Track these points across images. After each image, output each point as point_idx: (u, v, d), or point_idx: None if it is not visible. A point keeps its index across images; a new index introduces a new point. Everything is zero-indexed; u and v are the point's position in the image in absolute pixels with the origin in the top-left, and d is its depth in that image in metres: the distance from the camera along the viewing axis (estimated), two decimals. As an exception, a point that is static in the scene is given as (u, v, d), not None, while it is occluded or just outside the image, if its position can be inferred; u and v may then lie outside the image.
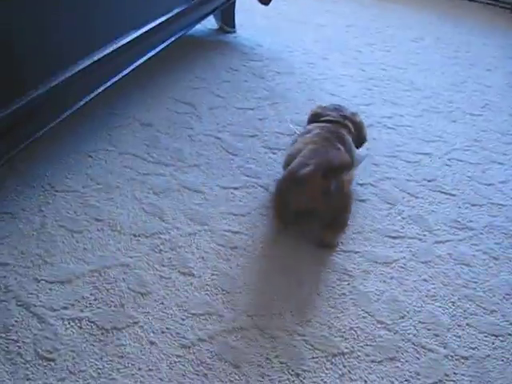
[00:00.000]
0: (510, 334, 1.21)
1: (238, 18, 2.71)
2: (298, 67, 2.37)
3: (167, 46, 1.84)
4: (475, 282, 1.33)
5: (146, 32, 1.68)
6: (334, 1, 3.45)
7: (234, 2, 2.57)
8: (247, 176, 1.60)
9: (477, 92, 2.42)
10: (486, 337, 1.19)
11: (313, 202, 1.30)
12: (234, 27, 2.67)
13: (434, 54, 2.81)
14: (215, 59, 2.33)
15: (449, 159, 1.83)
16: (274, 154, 1.71)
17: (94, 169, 1.53)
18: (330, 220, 1.35)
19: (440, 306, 1.25)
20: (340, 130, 1.51)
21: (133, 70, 1.64)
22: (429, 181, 1.69)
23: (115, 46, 1.51)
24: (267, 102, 2.02)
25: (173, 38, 1.89)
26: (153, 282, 1.20)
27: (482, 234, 1.50)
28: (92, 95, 1.47)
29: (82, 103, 1.42)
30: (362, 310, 1.20)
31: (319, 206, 1.30)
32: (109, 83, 1.55)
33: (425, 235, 1.46)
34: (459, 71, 2.62)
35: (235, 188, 1.54)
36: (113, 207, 1.40)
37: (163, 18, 1.78)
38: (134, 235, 1.32)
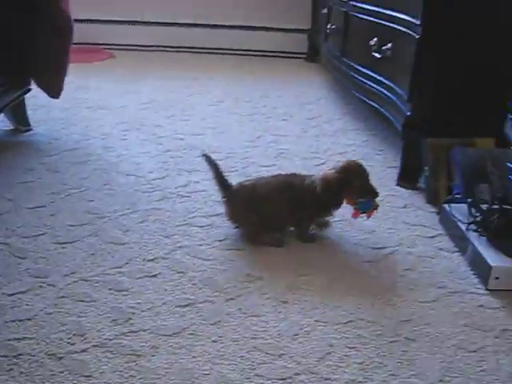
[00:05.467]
0: (297, 374, 1.25)
1: (35, 115, 2.71)
2: (96, 154, 2.39)
3: None
4: (264, 331, 1.38)
5: None
6: (134, 81, 3.55)
7: (22, 101, 2.56)
8: (35, 277, 1.56)
9: (272, 143, 2.56)
10: (273, 382, 1.23)
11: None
12: (29, 125, 2.66)
13: (232, 114, 2.95)
14: (10, 161, 2.30)
15: (241, 215, 1.90)
16: (63, 248, 1.70)
17: None
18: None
19: (229, 364, 1.27)
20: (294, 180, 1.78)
21: None
22: (220, 241, 1.75)
23: None
24: (61, 195, 2.01)
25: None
26: None
27: (271, 281, 1.57)
28: None
29: None
30: (151, 389, 1.20)
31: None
32: None
33: (215, 296, 1.50)
34: (256, 126, 2.77)
35: (22, 292, 1.50)
36: None
37: None
38: None
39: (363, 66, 2.68)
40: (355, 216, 1.77)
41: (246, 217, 1.74)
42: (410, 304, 1.50)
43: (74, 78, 3.44)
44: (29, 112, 2.70)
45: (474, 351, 1.34)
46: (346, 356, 1.30)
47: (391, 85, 2.34)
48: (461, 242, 1.77)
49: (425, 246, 1.78)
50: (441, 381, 1.24)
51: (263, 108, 3.07)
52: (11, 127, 2.66)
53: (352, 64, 2.83)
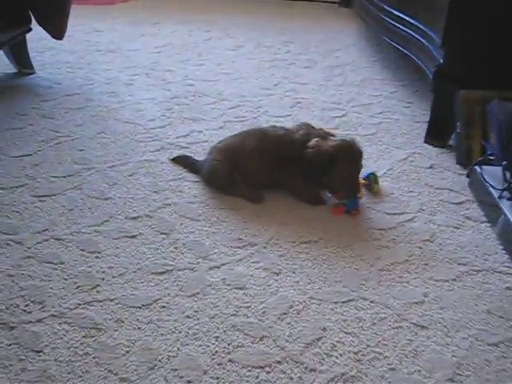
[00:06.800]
0: (278, 362, 1.06)
1: (41, 58, 2.55)
2: (96, 99, 2.21)
3: None
4: (247, 307, 1.19)
5: None
6: (153, 23, 3.33)
7: (24, 42, 2.38)
8: (3, 233, 1.40)
9: (290, 92, 2.33)
10: (249, 371, 1.04)
11: None
12: (32, 68, 2.48)
13: (250, 60, 2.72)
14: (4, 106, 2.13)
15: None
16: (41, 202, 1.53)
17: None
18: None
19: (201, 345, 1.09)
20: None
21: None
22: (214, 198, 1.56)
23: None
24: (49, 144, 1.84)
25: None
26: None
27: (265, 247, 1.37)
28: None
29: None
30: (105, 369, 1.03)
31: None
32: None
33: (198, 263, 1.31)
34: (275, 73, 2.54)
35: (-14, 251, 1.34)
36: None
37: None
38: None
39: (395, 8, 2.40)
40: (335, 213, 1.54)
41: (227, 177, 1.57)
42: (425, 282, 1.29)
43: (90, 20, 3.27)
44: (35, 54, 2.54)
45: (495, 345, 1.13)
46: (340, 343, 1.11)
47: (424, 29, 2.07)
48: (491, 212, 1.53)
49: (449, 214, 1.55)
50: (450, 380, 1.04)
51: (286, 54, 2.82)
52: (15, 70, 2.48)
53: (383, 5, 2.55)
